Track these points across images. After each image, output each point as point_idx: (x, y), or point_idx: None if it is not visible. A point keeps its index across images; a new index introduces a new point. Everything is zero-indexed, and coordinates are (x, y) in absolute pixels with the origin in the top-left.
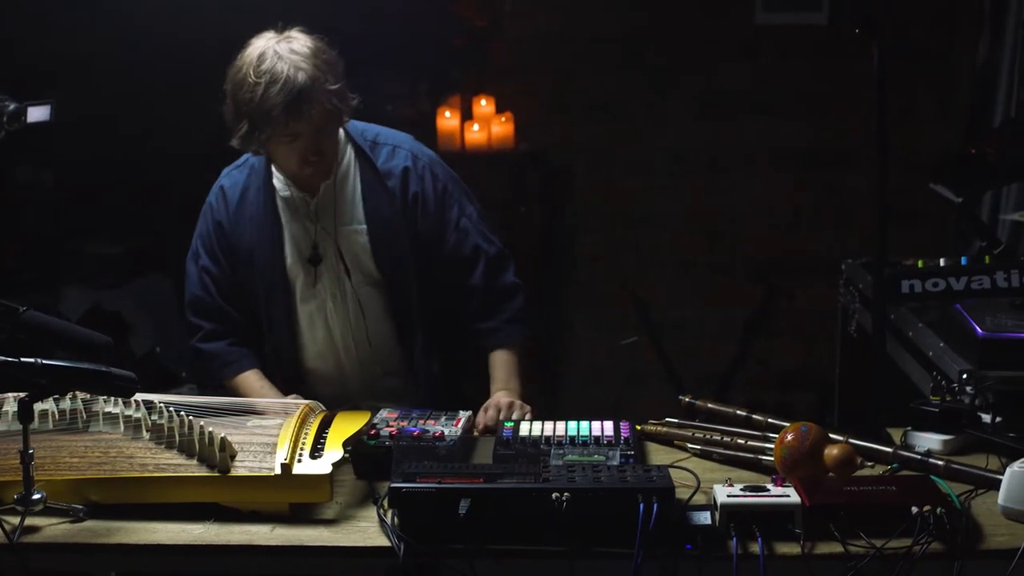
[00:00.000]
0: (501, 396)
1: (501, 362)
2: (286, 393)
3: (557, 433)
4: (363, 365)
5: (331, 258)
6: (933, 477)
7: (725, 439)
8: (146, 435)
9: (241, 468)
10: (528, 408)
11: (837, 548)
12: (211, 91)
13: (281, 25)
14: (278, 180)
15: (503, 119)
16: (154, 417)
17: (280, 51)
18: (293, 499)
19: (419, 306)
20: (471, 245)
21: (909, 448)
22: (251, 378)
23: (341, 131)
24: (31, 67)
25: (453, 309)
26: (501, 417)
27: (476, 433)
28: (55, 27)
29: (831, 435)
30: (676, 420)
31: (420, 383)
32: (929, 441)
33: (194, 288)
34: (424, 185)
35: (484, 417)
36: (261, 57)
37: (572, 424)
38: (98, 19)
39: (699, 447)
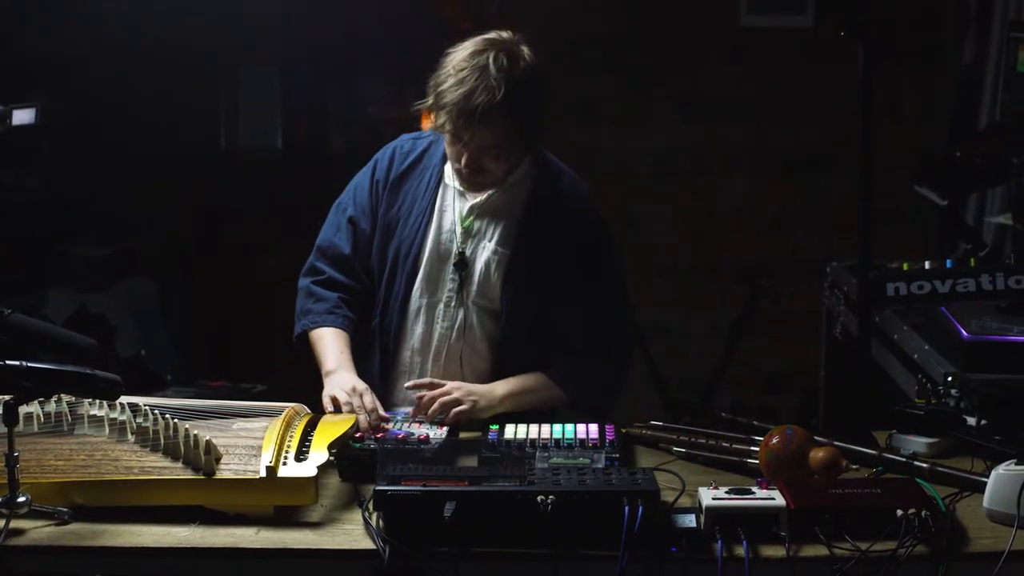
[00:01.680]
0: (462, 384)
1: (530, 375)
2: (375, 380)
3: (542, 436)
4: (443, 379)
5: (464, 267)
6: (918, 480)
7: (710, 442)
8: (131, 438)
9: (226, 471)
10: (460, 401)
11: (822, 551)
12: (195, 93)
13: (521, 37)
14: (449, 168)
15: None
16: (139, 420)
17: (493, 59)
18: (278, 502)
19: (526, 350)
20: (600, 309)
21: (894, 451)
22: (343, 338)
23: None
24: (15, 70)
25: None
26: (430, 399)
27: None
28: (39, 31)
29: (816, 438)
30: (661, 423)
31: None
32: (914, 444)
33: (334, 235)
34: (586, 235)
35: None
36: (473, 55)
37: (557, 427)
38: (82, 22)
39: (684, 450)
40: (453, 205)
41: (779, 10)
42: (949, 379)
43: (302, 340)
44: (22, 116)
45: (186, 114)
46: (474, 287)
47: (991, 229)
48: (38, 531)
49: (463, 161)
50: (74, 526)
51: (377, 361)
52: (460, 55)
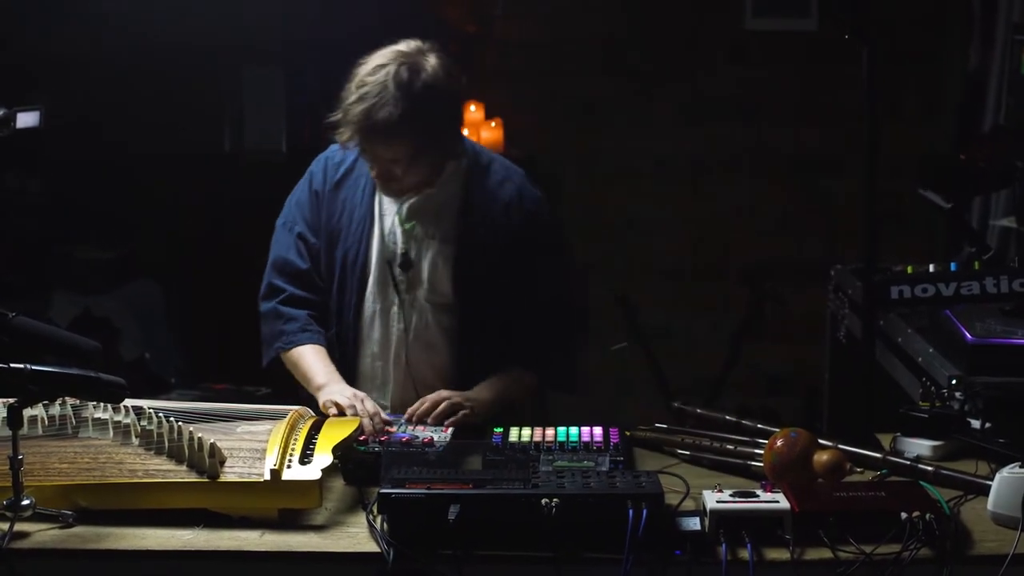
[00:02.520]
0: (447, 393)
1: (504, 373)
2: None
3: (547, 439)
4: (406, 380)
5: (411, 267)
6: (922, 483)
7: (715, 445)
8: (135, 441)
9: (231, 474)
10: (460, 405)
11: (826, 554)
12: (198, 95)
13: (431, 44)
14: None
15: (493, 124)
16: (143, 423)
17: (392, 72)
18: (282, 505)
19: (484, 340)
20: (549, 291)
21: (898, 454)
22: (324, 354)
23: (464, 146)
24: (16, 71)
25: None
26: (419, 414)
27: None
28: (40, 31)
29: (820, 441)
30: (665, 426)
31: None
32: (918, 447)
33: (286, 252)
34: (524, 221)
35: (414, 407)
36: (374, 70)
37: (561, 430)
38: (83, 23)
39: (688, 453)
40: (391, 209)
41: (784, 13)
42: (953, 382)
43: (275, 363)
44: (26, 119)
45: (189, 116)
46: (424, 285)
47: (995, 232)
48: (42, 534)
49: (374, 172)
50: (78, 529)
51: (341, 370)
52: (363, 69)
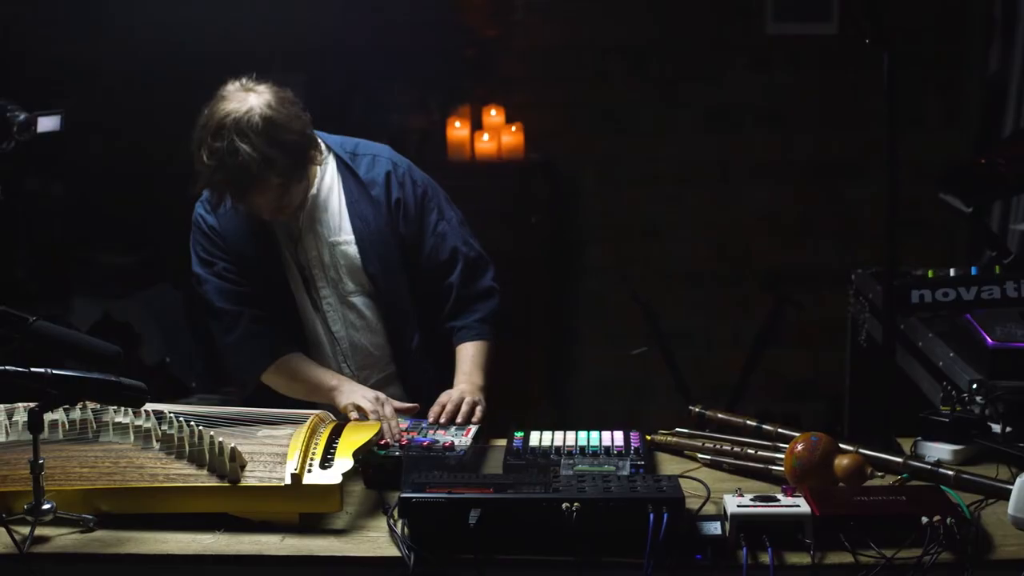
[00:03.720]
0: (453, 391)
1: (467, 355)
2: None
3: (567, 443)
4: (361, 371)
5: (323, 270)
6: (943, 487)
7: (735, 449)
8: (156, 445)
9: (251, 478)
10: (478, 402)
11: (847, 558)
12: None
13: (253, 76)
14: None
15: (513, 129)
16: (164, 427)
17: (232, 127)
18: (303, 509)
19: (411, 312)
20: (449, 248)
21: (919, 458)
22: (308, 358)
23: (322, 143)
24: (40, 79)
25: (440, 312)
26: (447, 413)
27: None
28: (64, 39)
29: (841, 445)
30: (686, 430)
31: (417, 386)
32: (939, 451)
33: (222, 285)
34: (405, 191)
35: (433, 412)
36: (217, 131)
37: (582, 434)
38: (107, 31)
39: (709, 457)
40: (282, 225)
41: (804, 18)
42: (974, 386)
43: (260, 387)
44: (47, 123)
45: None
46: (344, 281)
47: (1016, 236)
48: (63, 538)
49: (265, 215)
50: (99, 533)
51: None
52: (204, 141)
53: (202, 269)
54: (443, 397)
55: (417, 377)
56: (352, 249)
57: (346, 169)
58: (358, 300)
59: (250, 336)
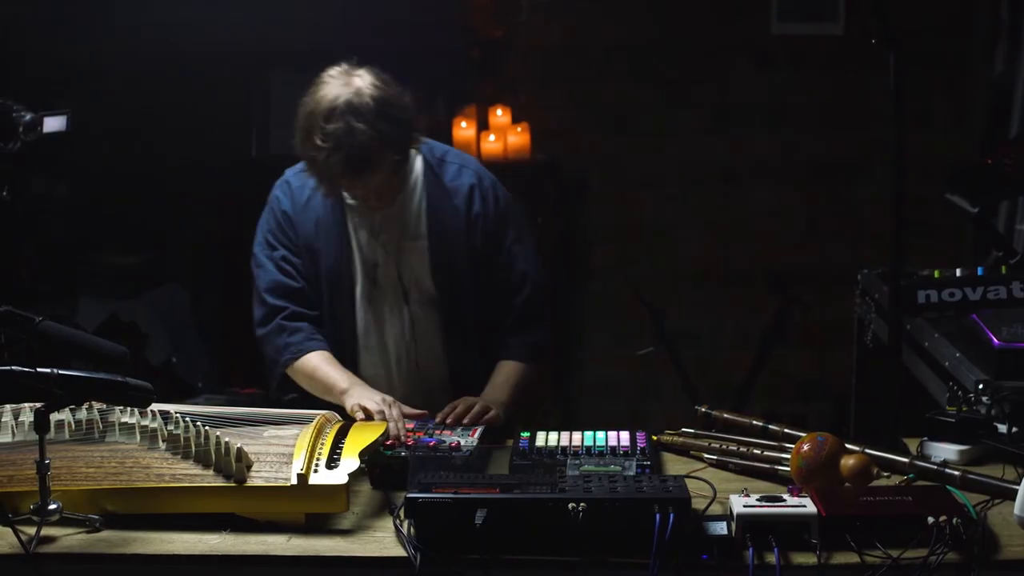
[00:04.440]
0: (474, 398)
1: (502, 371)
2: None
3: (573, 443)
4: (411, 380)
5: (391, 272)
6: (949, 487)
7: (741, 449)
8: (162, 445)
9: (257, 478)
10: (491, 408)
11: (853, 558)
12: (225, 101)
13: (355, 60)
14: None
15: (519, 129)
16: (170, 427)
17: (346, 109)
18: (309, 509)
19: (470, 326)
20: (520, 270)
21: (925, 458)
22: (335, 359)
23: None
24: (43, 79)
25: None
26: (456, 415)
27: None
28: (69, 39)
29: (847, 445)
30: (692, 430)
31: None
32: (945, 451)
33: (274, 275)
34: (487, 205)
35: (443, 412)
36: (329, 114)
37: (588, 434)
38: (111, 31)
39: (715, 457)
40: (363, 220)
41: (809, 18)
42: (980, 386)
43: (287, 381)
44: (53, 123)
45: (216, 122)
46: (408, 287)
47: (1022, 237)
48: (69, 538)
49: (368, 199)
50: (105, 533)
51: None
52: (315, 127)
53: (263, 251)
54: (458, 400)
55: (467, 390)
56: (424, 254)
57: (431, 173)
58: (421, 306)
59: (280, 331)
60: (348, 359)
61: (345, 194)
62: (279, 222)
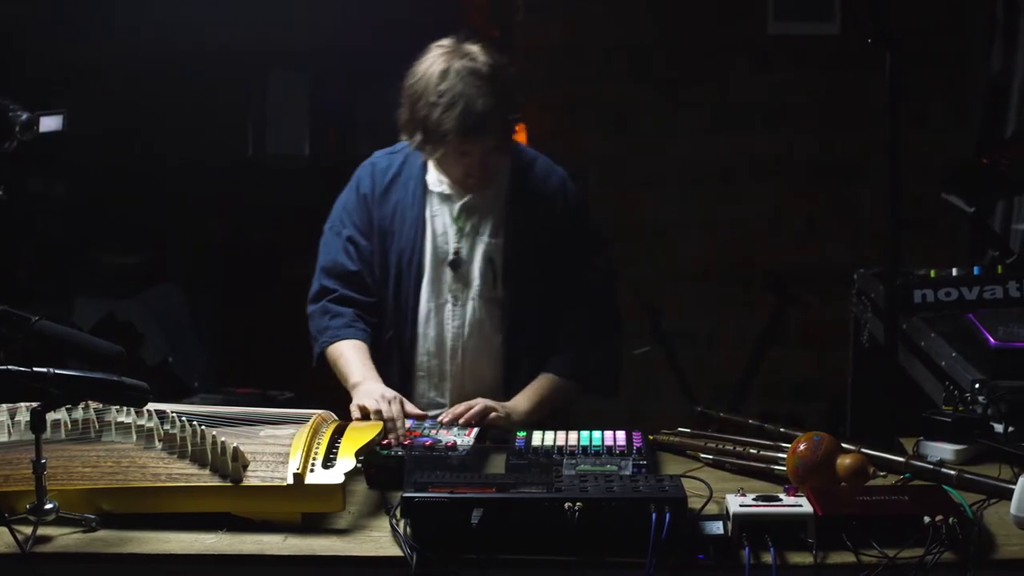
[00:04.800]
0: (482, 400)
1: (540, 381)
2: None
3: (570, 443)
4: (464, 376)
5: (463, 265)
6: (945, 487)
7: (738, 449)
8: (158, 445)
9: (253, 478)
10: (495, 410)
11: (849, 558)
12: (222, 100)
13: (462, 35)
14: (432, 176)
15: (516, 129)
16: (166, 427)
17: (461, 70)
18: (305, 509)
19: (532, 332)
20: (589, 287)
21: (921, 458)
22: (364, 350)
23: None
24: (43, 78)
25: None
26: (454, 414)
27: (445, 420)
28: (67, 39)
29: (844, 445)
30: (688, 430)
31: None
32: (941, 451)
33: (337, 255)
34: (570, 216)
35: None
36: (443, 75)
37: (584, 434)
38: (110, 31)
39: (711, 457)
40: (442, 209)
41: (806, 18)
42: (976, 386)
43: (322, 361)
44: (49, 123)
45: (213, 121)
46: (477, 282)
47: (1018, 236)
48: (65, 538)
49: (471, 171)
50: (101, 533)
51: (396, 370)
52: (427, 87)
53: (332, 228)
54: (472, 401)
55: (517, 393)
56: (499, 251)
57: (519, 174)
58: (485, 303)
59: (324, 313)
60: (407, 345)
61: (436, 179)
62: (356, 203)
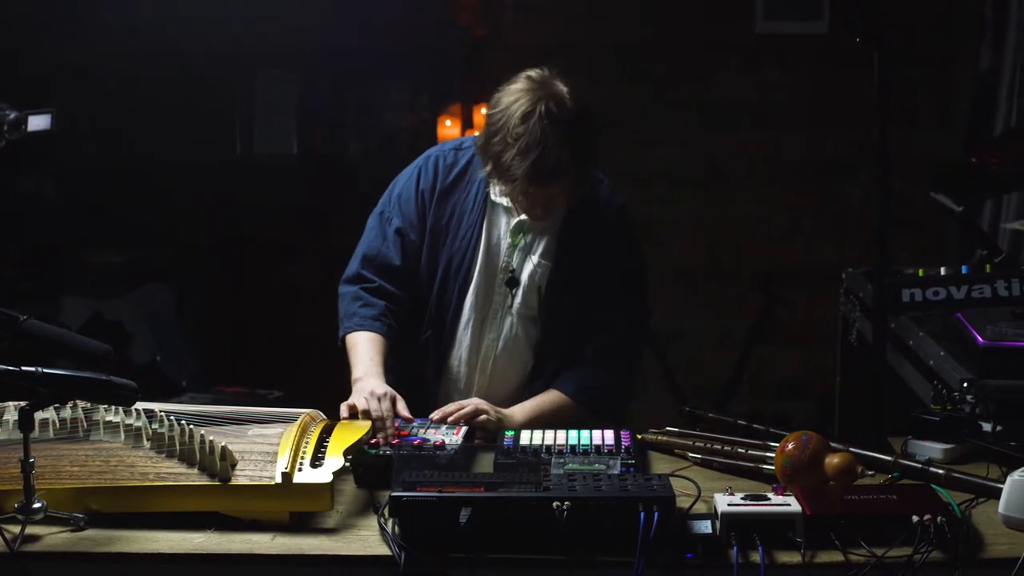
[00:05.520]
0: (475, 401)
1: (546, 397)
2: (419, 394)
3: (558, 442)
4: (489, 385)
5: (511, 279)
6: (934, 486)
7: (726, 448)
8: (147, 444)
9: (242, 477)
10: (486, 413)
11: (838, 557)
12: (211, 100)
13: (556, 70)
14: (496, 186)
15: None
16: (155, 426)
17: (545, 115)
18: (294, 508)
19: (564, 351)
20: (620, 316)
21: (910, 457)
22: (378, 344)
23: None
24: (32, 77)
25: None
26: (443, 412)
27: (434, 419)
28: (56, 38)
29: (832, 444)
30: (677, 429)
31: None
32: (930, 450)
33: (381, 245)
34: (622, 248)
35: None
36: (525, 116)
37: (573, 433)
38: (99, 30)
39: (700, 456)
40: (500, 221)
41: (795, 17)
42: (965, 385)
43: (343, 344)
44: (38, 122)
45: (201, 120)
46: (519, 299)
47: (1006, 235)
48: (54, 537)
49: (534, 209)
50: (89, 532)
51: (430, 372)
52: (508, 124)
53: (384, 212)
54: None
55: None
56: (545, 274)
57: (581, 198)
58: (524, 319)
59: (356, 298)
60: (444, 347)
61: (505, 197)
62: (411, 196)
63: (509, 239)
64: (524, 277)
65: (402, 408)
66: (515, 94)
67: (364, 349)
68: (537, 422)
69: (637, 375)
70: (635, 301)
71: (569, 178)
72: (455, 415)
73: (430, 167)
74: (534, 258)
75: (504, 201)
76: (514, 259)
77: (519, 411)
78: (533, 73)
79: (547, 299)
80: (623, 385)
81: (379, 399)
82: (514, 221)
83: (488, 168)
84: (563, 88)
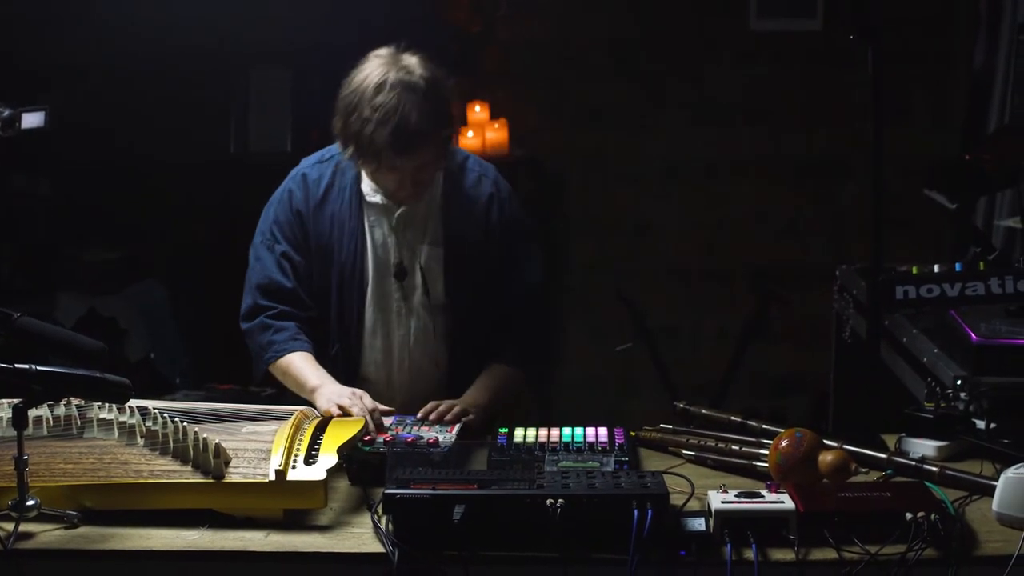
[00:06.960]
0: (452, 401)
1: (491, 373)
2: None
3: (552, 439)
4: (411, 383)
5: (404, 274)
6: (927, 483)
7: (720, 445)
8: (140, 441)
9: (235, 474)
10: (466, 411)
11: (831, 554)
12: (205, 97)
13: (402, 45)
14: (367, 185)
15: (497, 125)
16: (149, 423)
17: (397, 84)
18: (287, 505)
19: (477, 334)
20: (527, 282)
21: (903, 454)
22: (312, 359)
23: None
24: (26, 74)
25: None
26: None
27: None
28: (50, 35)
29: (826, 441)
30: (671, 426)
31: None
32: (923, 447)
33: (271, 272)
34: (504, 215)
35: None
36: (378, 88)
37: (567, 430)
38: (93, 28)
39: (694, 453)
40: (379, 219)
41: (789, 14)
42: (958, 382)
43: (269, 376)
44: (31, 120)
45: (196, 118)
46: (419, 290)
47: (1000, 233)
48: (47, 534)
49: (404, 184)
50: (83, 529)
51: (343, 381)
52: (361, 99)
53: (264, 243)
54: (439, 402)
55: (462, 393)
56: (439, 260)
57: (451, 178)
58: (430, 310)
59: (264, 328)
60: (353, 358)
61: (371, 188)
62: (288, 219)
63: (393, 234)
64: (418, 268)
65: (380, 407)
66: (365, 71)
67: (303, 364)
68: (496, 397)
69: (552, 330)
70: (533, 263)
71: (431, 144)
72: (441, 414)
73: (299, 186)
74: (423, 247)
75: (379, 199)
76: (404, 253)
77: (477, 394)
78: (381, 51)
79: (447, 283)
80: (545, 344)
81: (360, 397)
82: (395, 217)
83: (351, 150)
84: (411, 58)
